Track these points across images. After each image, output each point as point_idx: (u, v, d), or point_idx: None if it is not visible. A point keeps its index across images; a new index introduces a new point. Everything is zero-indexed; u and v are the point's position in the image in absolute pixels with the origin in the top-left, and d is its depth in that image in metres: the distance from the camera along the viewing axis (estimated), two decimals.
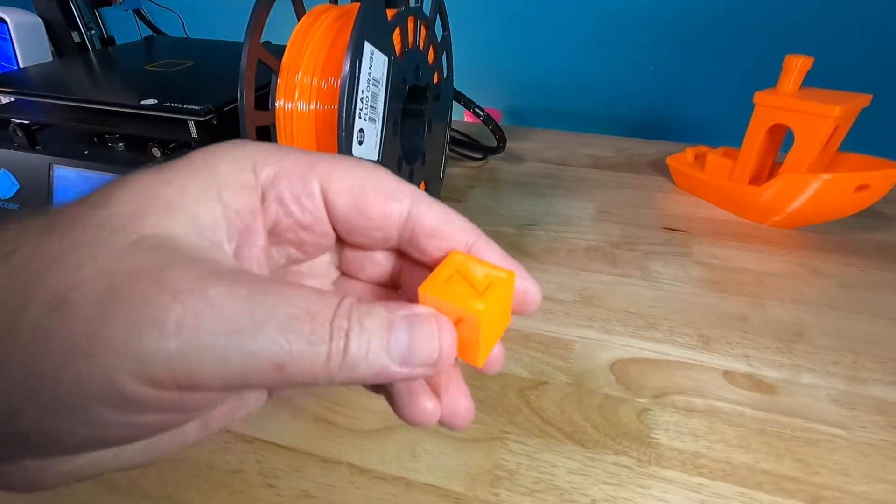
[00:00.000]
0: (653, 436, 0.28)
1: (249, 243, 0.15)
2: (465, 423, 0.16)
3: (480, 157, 0.61)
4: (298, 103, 0.30)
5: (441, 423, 0.16)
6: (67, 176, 0.42)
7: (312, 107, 0.30)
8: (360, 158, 0.16)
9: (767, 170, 0.50)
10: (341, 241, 0.16)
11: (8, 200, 0.43)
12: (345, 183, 0.15)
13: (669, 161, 0.55)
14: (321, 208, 0.15)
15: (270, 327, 0.11)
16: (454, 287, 0.14)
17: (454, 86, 0.49)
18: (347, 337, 0.12)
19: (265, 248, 0.15)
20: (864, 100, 0.42)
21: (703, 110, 1.20)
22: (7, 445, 0.11)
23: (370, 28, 0.26)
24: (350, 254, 0.17)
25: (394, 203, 0.15)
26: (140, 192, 0.13)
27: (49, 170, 0.42)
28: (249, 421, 0.29)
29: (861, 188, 0.41)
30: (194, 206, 0.13)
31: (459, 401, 0.16)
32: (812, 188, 0.43)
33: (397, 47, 0.31)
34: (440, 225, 0.15)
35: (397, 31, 0.31)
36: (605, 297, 0.39)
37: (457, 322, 0.13)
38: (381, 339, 0.12)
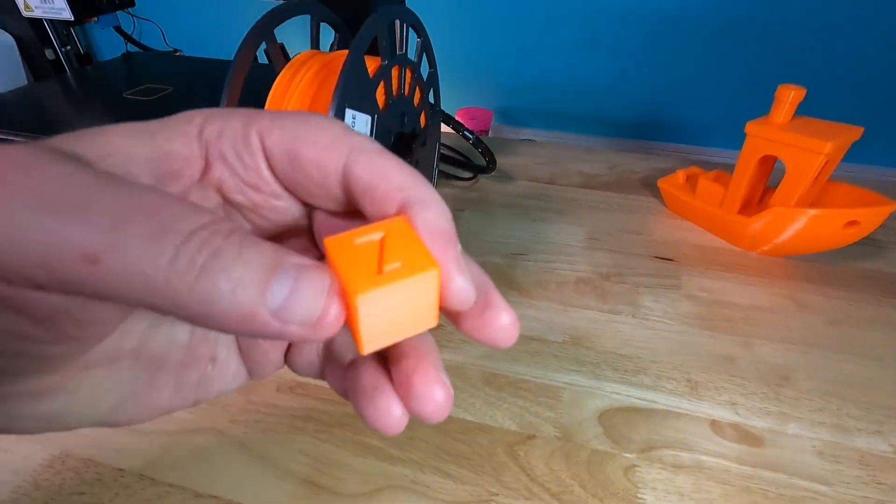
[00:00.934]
0: (640, 496, 0.28)
1: (177, 192, 0.14)
2: (436, 415, 0.13)
3: (470, 176, 0.60)
4: None
5: (411, 412, 0.14)
6: None
7: None
8: (313, 114, 0.14)
9: (758, 196, 0.50)
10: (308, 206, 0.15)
11: None
12: (281, 135, 0.13)
13: (661, 184, 0.54)
14: (262, 164, 0.14)
15: (95, 213, 0.10)
16: (359, 255, 0.12)
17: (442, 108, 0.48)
18: (215, 256, 0.10)
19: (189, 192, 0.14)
20: (856, 132, 0.42)
21: (694, 112, 1.19)
22: None
23: (352, 92, 0.25)
24: (322, 221, 0.15)
25: (330, 153, 0.13)
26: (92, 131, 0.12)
27: None
28: (231, 481, 0.28)
29: (851, 224, 0.41)
30: (118, 138, 0.13)
31: (431, 389, 0.13)
32: (801, 222, 0.42)
33: (381, 99, 0.30)
34: (372, 180, 0.13)
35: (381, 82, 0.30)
36: (594, 338, 0.39)
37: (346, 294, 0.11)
38: (259, 277, 0.10)
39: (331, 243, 0.12)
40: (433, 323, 0.13)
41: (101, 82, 0.50)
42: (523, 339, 0.39)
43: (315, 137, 0.13)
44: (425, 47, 0.35)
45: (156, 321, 0.15)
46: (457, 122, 0.52)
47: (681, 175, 0.55)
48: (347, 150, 0.13)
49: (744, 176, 0.46)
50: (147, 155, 0.13)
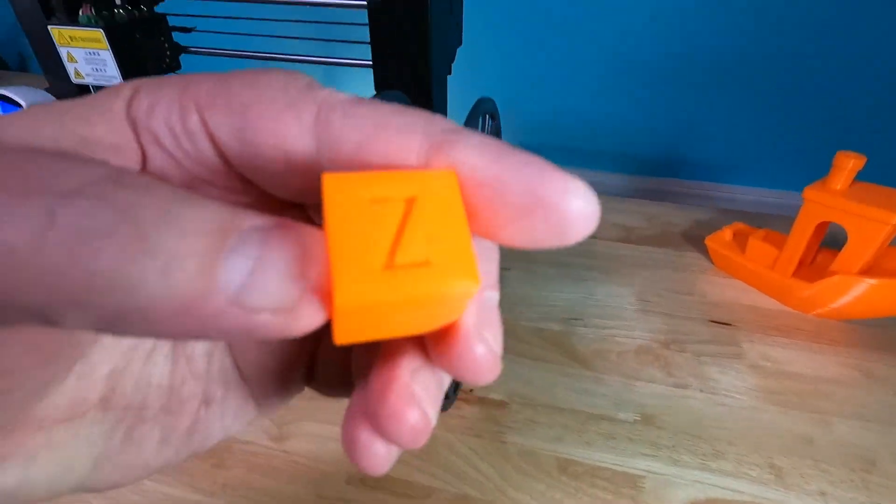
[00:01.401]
0: None
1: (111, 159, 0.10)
2: (409, 441, 0.10)
3: None
4: None
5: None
6: None
7: None
8: (265, 70, 0.10)
9: (812, 255, 0.50)
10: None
11: None
12: (225, 107, 0.10)
13: (708, 242, 0.54)
14: (208, 150, 0.10)
15: (35, 190, 0.07)
16: (368, 224, 0.08)
17: None
18: (124, 214, 0.07)
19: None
20: None
21: (716, 150, 1.20)
22: None
23: None
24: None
25: (288, 119, 0.09)
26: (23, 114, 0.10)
27: None
28: None
29: None
30: (21, 125, 0.10)
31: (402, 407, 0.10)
32: (862, 289, 0.42)
33: None
34: (365, 140, 0.09)
35: None
36: (665, 416, 0.38)
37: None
38: (205, 246, 0.07)
39: (331, 185, 0.08)
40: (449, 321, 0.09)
41: None
42: (593, 418, 0.38)
43: (268, 100, 0.10)
44: (497, 130, 0.35)
45: (121, 363, 0.12)
46: None
47: (728, 232, 0.55)
48: (315, 110, 0.10)
49: (801, 241, 0.46)
50: (55, 142, 0.10)
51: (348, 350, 0.13)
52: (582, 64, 1.15)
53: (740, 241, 0.54)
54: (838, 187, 0.43)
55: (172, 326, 0.07)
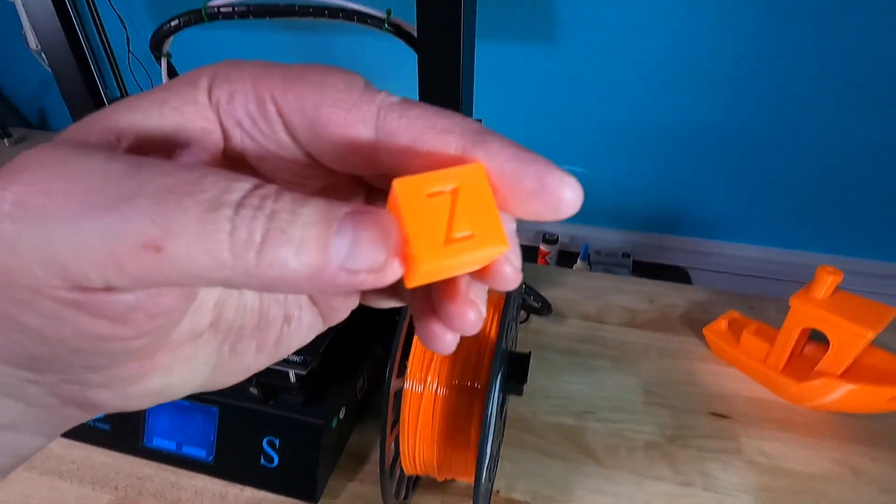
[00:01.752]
0: None
1: (197, 146, 0.13)
2: (471, 331, 0.14)
3: (524, 318, 0.65)
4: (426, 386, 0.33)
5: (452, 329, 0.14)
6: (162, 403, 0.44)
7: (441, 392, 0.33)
8: (328, 69, 0.13)
9: (801, 348, 0.55)
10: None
11: (99, 421, 0.45)
12: (297, 101, 0.12)
13: (706, 332, 0.59)
14: (281, 133, 0.13)
15: (141, 199, 0.10)
16: (428, 211, 0.11)
17: None
18: (271, 219, 0.10)
19: (217, 159, 0.14)
20: (891, 312, 0.47)
21: (705, 208, 1.27)
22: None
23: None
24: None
25: (355, 119, 0.12)
26: (90, 124, 0.12)
27: None
28: None
29: (892, 399, 0.45)
30: (124, 116, 0.12)
31: (465, 310, 0.13)
32: (842, 392, 0.47)
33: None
34: (413, 135, 0.12)
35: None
36: None
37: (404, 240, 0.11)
38: (319, 232, 0.10)
39: (401, 187, 0.11)
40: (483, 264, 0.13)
41: None
42: None
43: (335, 101, 0.12)
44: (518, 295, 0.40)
45: (223, 295, 0.15)
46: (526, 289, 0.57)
47: (723, 322, 0.60)
48: (375, 111, 0.12)
49: (788, 342, 0.51)
50: (159, 131, 0.12)
51: None
52: (582, 127, 1.23)
53: (735, 330, 0.59)
54: (820, 297, 0.49)
55: (305, 287, 0.11)
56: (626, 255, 1.33)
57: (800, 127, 1.11)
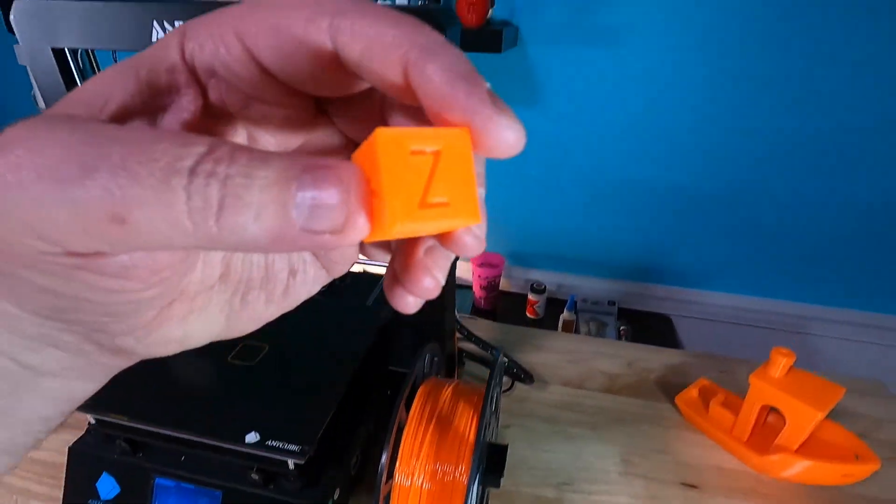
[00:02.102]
0: None
1: (173, 111, 0.14)
2: (426, 296, 0.15)
3: (508, 386, 0.69)
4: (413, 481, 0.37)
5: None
6: (167, 486, 0.47)
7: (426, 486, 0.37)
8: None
9: (764, 418, 0.59)
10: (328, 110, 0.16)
11: (108, 502, 0.48)
12: (258, 28, 0.13)
13: (678, 401, 0.63)
14: (253, 67, 0.13)
15: (101, 172, 0.10)
16: (408, 171, 0.11)
17: None
18: (226, 184, 0.10)
19: (190, 115, 0.14)
20: (840, 392, 0.51)
21: (685, 259, 1.33)
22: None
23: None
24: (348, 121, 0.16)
25: (311, 31, 0.12)
26: (75, 90, 0.13)
27: (149, 478, 0.47)
28: None
29: (846, 476, 0.49)
30: (105, 86, 0.13)
31: (422, 278, 0.14)
32: (799, 467, 0.51)
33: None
34: (364, 47, 0.12)
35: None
36: None
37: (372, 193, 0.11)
38: (278, 195, 0.10)
39: (383, 138, 0.10)
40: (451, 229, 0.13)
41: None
42: None
43: (292, 17, 0.12)
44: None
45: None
46: (491, 345, 0.61)
47: (693, 391, 0.64)
48: (329, 18, 0.12)
49: (750, 416, 0.55)
50: (138, 96, 0.13)
51: None
52: (569, 183, 1.29)
53: (705, 398, 0.63)
54: (776, 376, 0.53)
55: (270, 249, 0.11)
56: (611, 303, 1.38)
57: (773, 183, 1.18)
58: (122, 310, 0.13)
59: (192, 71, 0.14)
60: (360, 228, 0.11)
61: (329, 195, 0.10)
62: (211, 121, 0.15)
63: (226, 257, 0.16)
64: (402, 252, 0.15)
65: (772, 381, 0.53)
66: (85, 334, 0.14)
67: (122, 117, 0.13)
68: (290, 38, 0.12)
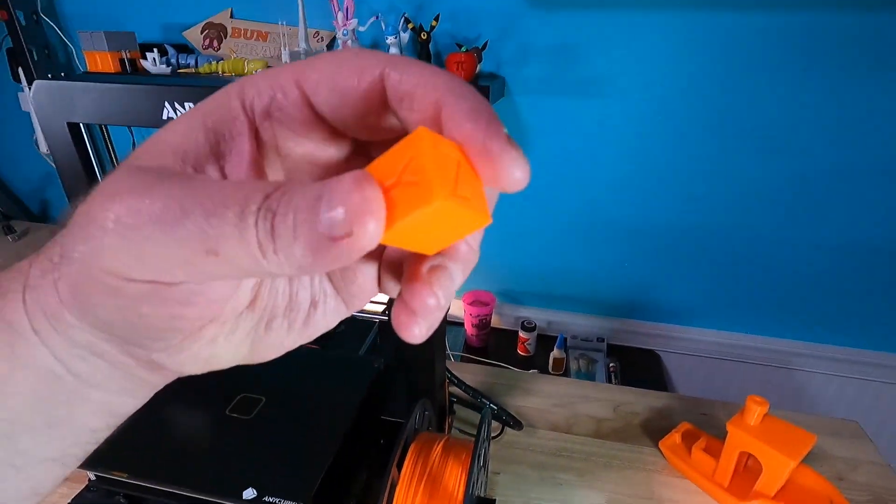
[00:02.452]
0: None
1: (234, 158, 0.15)
2: (430, 317, 0.16)
3: (498, 433, 0.70)
4: None
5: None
6: None
7: None
8: (342, 49, 0.16)
9: (745, 461, 0.61)
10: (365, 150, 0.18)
11: None
12: (318, 74, 0.15)
13: (661, 446, 0.65)
14: (305, 108, 0.15)
15: (196, 215, 0.12)
16: (445, 161, 0.12)
17: None
18: (275, 216, 0.12)
19: (251, 162, 0.16)
20: (812, 440, 0.54)
21: (672, 297, 1.37)
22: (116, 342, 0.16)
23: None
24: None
25: (367, 74, 0.14)
26: (149, 140, 0.16)
27: None
28: None
29: None
30: (181, 140, 0.15)
31: (425, 296, 0.15)
32: None
33: None
34: (409, 88, 0.14)
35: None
36: None
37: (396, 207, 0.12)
38: (309, 213, 0.12)
39: (427, 134, 0.12)
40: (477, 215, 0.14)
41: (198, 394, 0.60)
42: None
43: (350, 66, 0.15)
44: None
45: (259, 279, 0.17)
46: (481, 394, 0.63)
47: (676, 436, 0.66)
48: (382, 66, 0.14)
49: (730, 462, 0.57)
50: (206, 145, 0.15)
51: (400, 266, 0.18)
52: (555, 224, 1.33)
53: (688, 442, 0.65)
54: (752, 423, 0.56)
55: (316, 265, 0.12)
56: (600, 340, 1.41)
57: (753, 224, 1.23)
58: (165, 329, 0.15)
59: (249, 116, 0.16)
60: (371, 233, 0.12)
61: (340, 210, 0.12)
62: (261, 159, 0.17)
63: (256, 284, 0.17)
64: (408, 273, 0.16)
65: (747, 429, 0.55)
66: (123, 347, 0.16)
67: (197, 164, 0.15)
68: (345, 82, 0.14)
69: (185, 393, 0.60)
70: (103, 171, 0.59)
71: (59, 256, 0.14)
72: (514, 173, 0.13)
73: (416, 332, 0.15)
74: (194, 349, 0.17)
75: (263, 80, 0.15)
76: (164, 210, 0.12)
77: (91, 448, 0.18)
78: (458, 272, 0.16)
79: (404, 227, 0.12)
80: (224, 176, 0.15)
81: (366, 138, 0.17)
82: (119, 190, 0.13)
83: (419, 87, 0.14)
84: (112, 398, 0.17)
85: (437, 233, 0.14)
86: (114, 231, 0.13)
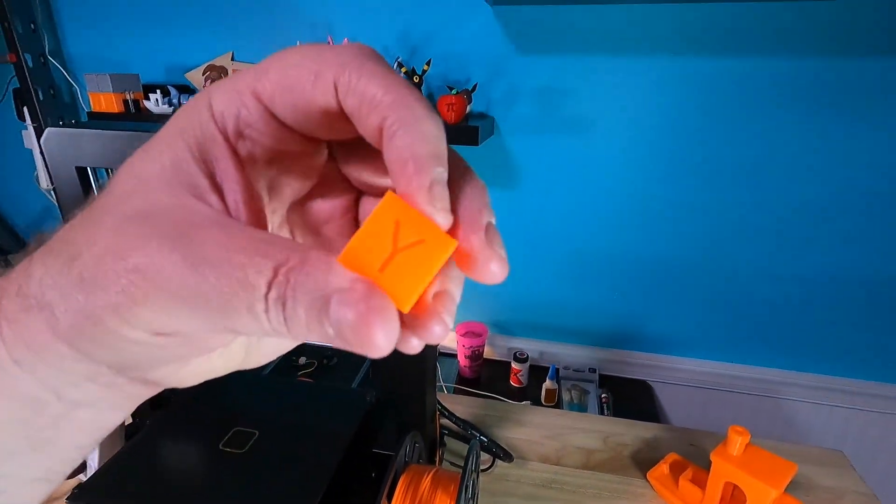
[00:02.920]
0: None
1: (227, 182, 0.16)
2: (437, 340, 0.16)
3: (489, 465, 0.71)
4: None
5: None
6: None
7: None
8: (288, 50, 0.15)
9: (731, 491, 0.62)
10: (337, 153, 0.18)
11: None
12: (270, 87, 0.15)
13: (649, 477, 0.66)
14: (271, 124, 0.15)
15: (214, 301, 0.13)
16: (374, 256, 0.13)
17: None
18: (284, 308, 0.13)
19: (242, 184, 0.16)
20: (793, 469, 0.55)
21: (662, 328, 1.39)
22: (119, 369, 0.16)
23: None
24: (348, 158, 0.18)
25: (319, 84, 0.14)
26: (128, 173, 0.15)
27: None
28: None
29: None
30: (173, 168, 0.15)
31: (433, 325, 0.15)
32: None
33: None
34: (356, 106, 0.14)
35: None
36: None
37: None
38: (316, 313, 0.12)
39: (347, 259, 0.13)
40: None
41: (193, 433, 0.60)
42: None
43: (301, 75, 0.14)
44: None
45: None
46: (472, 426, 0.64)
47: (664, 467, 0.67)
48: (333, 73, 0.14)
49: (715, 492, 0.58)
50: (199, 172, 0.15)
51: None
52: (546, 256, 1.36)
53: (675, 472, 0.66)
54: (735, 453, 0.57)
55: (315, 338, 0.13)
56: (592, 370, 1.42)
57: (739, 255, 1.27)
58: (171, 360, 0.16)
59: (224, 135, 0.16)
60: (380, 345, 0.12)
61: (354, 314, 0.12)
62: (248, 176, 0.17)
63: None
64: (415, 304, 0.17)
65: (730, 459, 0.57)
66: (120, 371, 0.16)
67: (198, 194, 0.15)
68: (301, 94, 0.14)
69: (178, 427, 0.60)
70: None
71: (51, 296, 0.14)
72: (495, 270, 0.15)
73: (414, 345, 0.15)
74: (192, 367, 0.17)
75: (226, 93, 0.15)
76: (186, 288, 0.13)
77: (78, 462, 0.19)
78: (457, 291, 0.16)
79: (427, 282, 0.13)
80: (224, 202, 0.16)
81: (339, 139, 0.17)
82: (133, 247, 0.13)
83: (364, 103, 0.14)
84: (101, 415, 0.17)
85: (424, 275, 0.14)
86: (142, 304, 0.13)
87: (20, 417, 0.16)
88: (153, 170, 0.15)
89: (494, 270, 0.14)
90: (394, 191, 0.14)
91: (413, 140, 0.13)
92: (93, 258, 0.14)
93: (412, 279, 0.13)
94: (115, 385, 0.16)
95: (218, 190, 0.16)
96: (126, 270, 0.13)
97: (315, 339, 0.13)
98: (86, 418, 0.17)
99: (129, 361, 0.15)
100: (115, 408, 0.17)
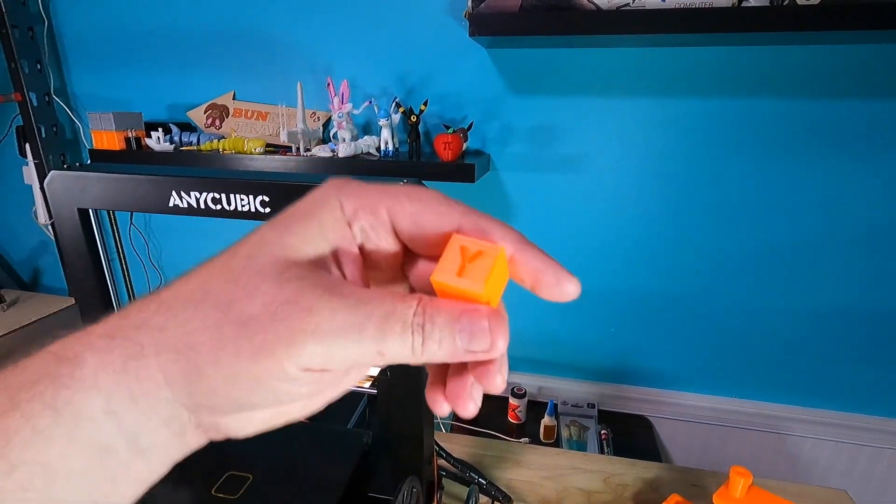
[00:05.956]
0: None
1: (349, 262, 0.20)
2: (469, 416, 0.20)
3: None
4: None
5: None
6: None
7: None
8: (417, 187, 0.21)
9: None
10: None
11: None
12: (404, 209, 0.20)
13: None
14: (390, 233, 0.20)
15: (371, 328, 0.17)
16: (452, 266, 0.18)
17: None
18: (424, 331, 0.17)
19: (361, 265, 0.21)
20: None
21: (661, 363, 1.38)
22: (216, 412, 0.18)
23: None
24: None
25: (445, 223, 0.20)
26: (261, 242, 0.19)
27: None
28: None
29: None
30: (310, 248, 0.19)
31: (465, 403, 0.20)
32: None
33: None
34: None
35: None
36: None
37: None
38: (451, 333, 0.17)
39: (458, 237, 0.19)
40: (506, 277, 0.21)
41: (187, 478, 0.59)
42: None
43: (432, 210, 0.20)
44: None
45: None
46: (470, 467, 0.63)
47: None
48: (458, 219, 0.20)
49: None
50: (328, 249, 0.20)
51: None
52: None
53: None
54: (738, 495, 0.56)
55: (449, 361, 0.20)
56: (591, 406, 1.40)
57: (736, 291, 1.27)
58: (278, 401, 0.19)
59: (355, 235, 0.20)
60: (499, 347, 0.18)
61: (480, 329, 0.18)
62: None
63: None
64: (453, 383, 0.21)
65: (733, 502, 0.56)
66: (201, 415, 0.18)
67: (325, 268, 0.19)
68: (425, 227, 0.20)
69: (170, 473, 0.59)
70: (106, 254, 0.61)
71: (195, 339, 0.17)
72: (570, 289, 0.21)
73: (445, 410, 0.21)
74: (260, 415, 0.19)
75: (359, 199, 0.20)
76: (347, 322, 0.17)
77: None
78: (478, 391, 0.21)
79: (492, 278, 0.18)
80: (343, 275, 0.20)
81: (427, 255, 0.22)
82: (311, 304, 0.17)
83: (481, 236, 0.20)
84: (152, 468, 0.19)
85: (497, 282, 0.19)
86: (313, 337, 0.17)
87: (90, 468, 0.17)
88: (294, 242, 0.19)
89: (572, 291, 0.21)
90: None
91: (517, 240, 0.20)
92: (260, 304, 0.17)
93: (486, 279, 0.18)
94: (183, 432, 0.18)
95: (339, 266, 0.20)
96: (299, 310, 0.17)
97: (439, 357, 0.18)
98: (138, 472, 0.18)
99: (225, 403, 0.18)
100: (164, 463, 0.19)
